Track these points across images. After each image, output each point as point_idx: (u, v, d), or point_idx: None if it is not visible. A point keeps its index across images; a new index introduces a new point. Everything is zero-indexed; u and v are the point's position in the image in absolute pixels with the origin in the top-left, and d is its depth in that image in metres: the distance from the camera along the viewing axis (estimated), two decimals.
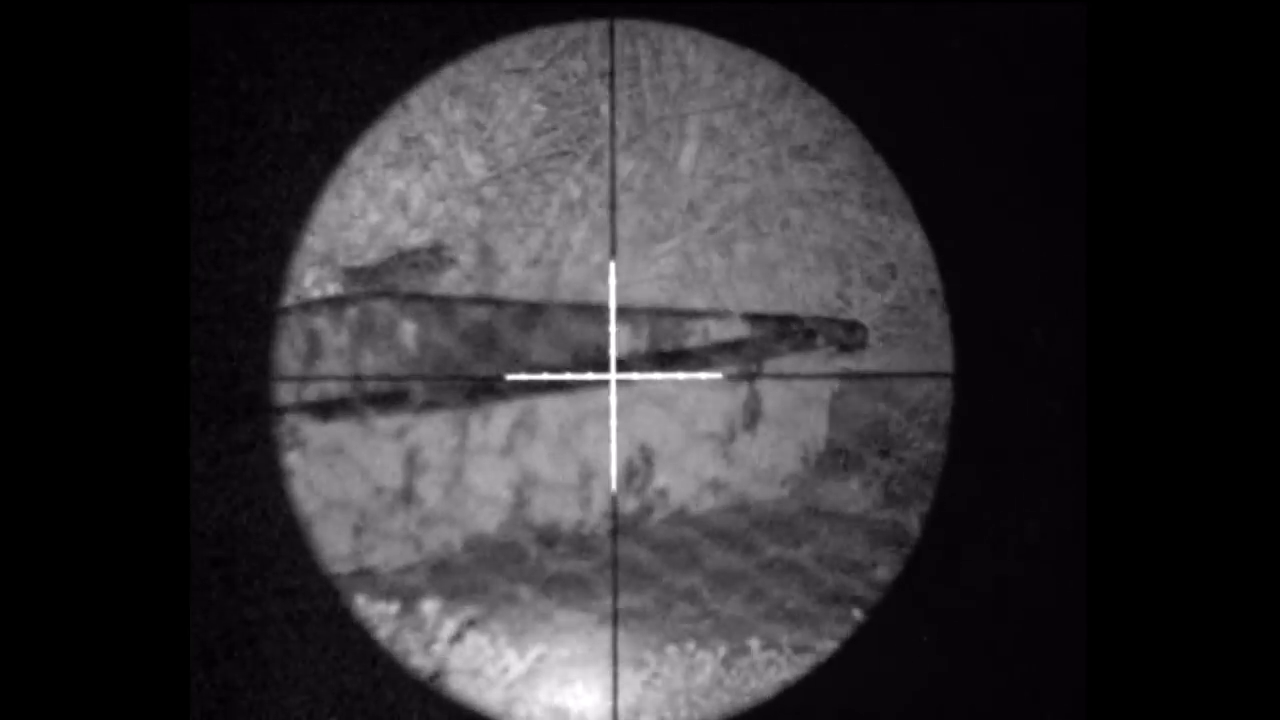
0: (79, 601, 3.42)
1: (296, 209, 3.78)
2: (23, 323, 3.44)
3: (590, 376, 4.91)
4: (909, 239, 5.86)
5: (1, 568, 3.39)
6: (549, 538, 4.87)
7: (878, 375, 4.98)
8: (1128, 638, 3.44)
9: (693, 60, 5.65)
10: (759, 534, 4.94)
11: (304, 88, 3.78)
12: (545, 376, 4.91)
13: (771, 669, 4.16)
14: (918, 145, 3.85)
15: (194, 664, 3.66)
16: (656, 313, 5.46)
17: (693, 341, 5.38)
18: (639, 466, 5.01)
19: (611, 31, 5.60)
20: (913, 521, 4.92)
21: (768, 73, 5.67)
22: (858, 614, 4.30)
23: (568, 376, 4.91)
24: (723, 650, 4.22)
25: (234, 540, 3.70)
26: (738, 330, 5.35)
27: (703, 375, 5.06)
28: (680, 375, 5.00)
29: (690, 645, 4.23)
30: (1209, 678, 3.40)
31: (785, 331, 5.27)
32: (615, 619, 4.21)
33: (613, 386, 4.62)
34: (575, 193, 5.71)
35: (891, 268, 5.89)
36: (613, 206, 5.60)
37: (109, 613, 3.43)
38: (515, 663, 4.15)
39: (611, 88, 5.78)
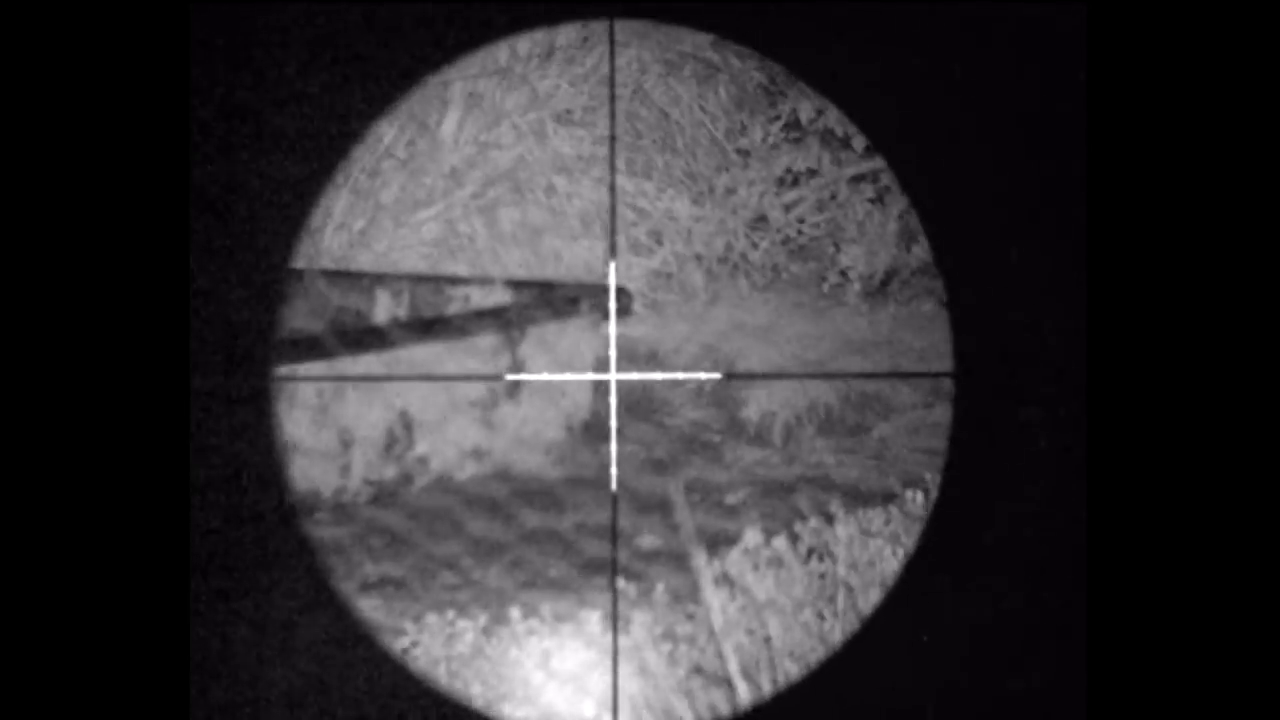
0: (75, 587, 3.38)
1: (296, 209, 3.71)
2: (22, 323, 3.39)
3: (590, 376, 4.88)
4: (674, 204, 5.87)
5: None
6: (308, 505, 4.80)
7: (880, 375, 4.97)
8: (1128, 638, 3.45)
9: None
10: (520, 503, 4.92)
11: (304, 88, 3.71)
12: (545, 376, 4.88)
13: (533, 638, 4.15)
14: (917, 145, 3.85)
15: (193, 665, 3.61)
16: (417, 279, 5.41)
17: (454, 308, 5.33)
18: (399, 434, 4.96)
19: (611, 31, 5.55)
20: (679, 491, 4.94)
21: (531, 37, 5.63)
22: (621, 582, 4.29)
23: (567, 376, 4.88)
24: (483, 619, 4.19)
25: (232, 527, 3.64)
26: (500, 297, 5.32)
27: (702, 375, 5.05)
28: (680, 375, 4.99)
29: (450, 614, 4.20)
30: (1209, 678, 3.43)
31: (548, 299, 5.25)
32: (615, 620, 4.13)
33: (613, 386, 4.57)
34: None
35: (657, 234, 5.89)
36: (612, 210, 5.54)
37: (107, 604, 3.39)
38: None
39: (611, 86, 5.73)
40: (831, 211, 5.98)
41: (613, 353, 4.64)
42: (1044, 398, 3.73)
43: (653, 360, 5.51)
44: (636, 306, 5.66)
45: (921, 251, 5.83)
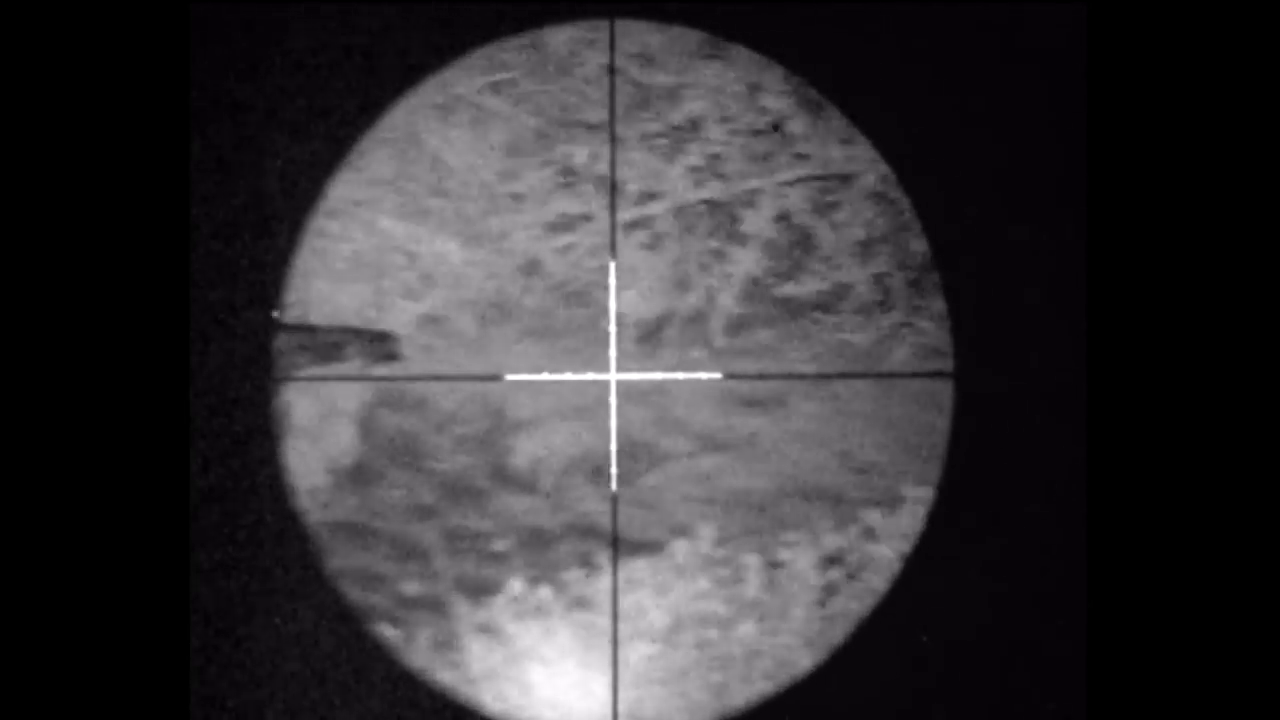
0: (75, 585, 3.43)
1: (296, 209, 3.60)
2: (22, 323, 3.41)
3: (590, 376, 4.75)
4: (445, 249, 5.81)
5: None
6: None
7: (885, 375, 4.88)
8: (1128, 638, 3.42)
9: None
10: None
11: (304, 88, 3.59)
12: (544, 376, 4.72)
13: None
14: (917, 145, 3.81)
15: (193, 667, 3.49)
16: None
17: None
18: None
19: (612, 31, 5.43)
20: (433, 536, 4.86)
21: None
22: (389, 630, 4.21)
23: (567, 376, 4.75)
24: None
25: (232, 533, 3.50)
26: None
27: (702, 375, 4.94)
28: (680, 375, 4.87)
29: None
30: (1209, 678, 3.40)
31: (309, 343, 5.15)
32: (615, 619, 4.01)
33: (612, 386, 4.45)
34: None
35: (428, 278, 5.83)
36: (612, 209, 5.40)
37: (107, 601, 3.44)
38: None
39: (611, 86, 5.61)
40: (603, 258, 5.95)
41: (613, 353, 4.55)
42: (1044, 398, 3.74)
43: (421, 406, 5.45)
44: (405, 350, 5.59)
45: (695, 299, 5.84)
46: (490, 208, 6.00)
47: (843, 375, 5.33)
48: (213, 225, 3.50)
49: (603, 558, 4.31)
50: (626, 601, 4.21)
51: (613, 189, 5.50)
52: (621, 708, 4.02)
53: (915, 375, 4.99)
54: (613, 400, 4.43)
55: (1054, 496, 3.76)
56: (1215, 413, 3.47)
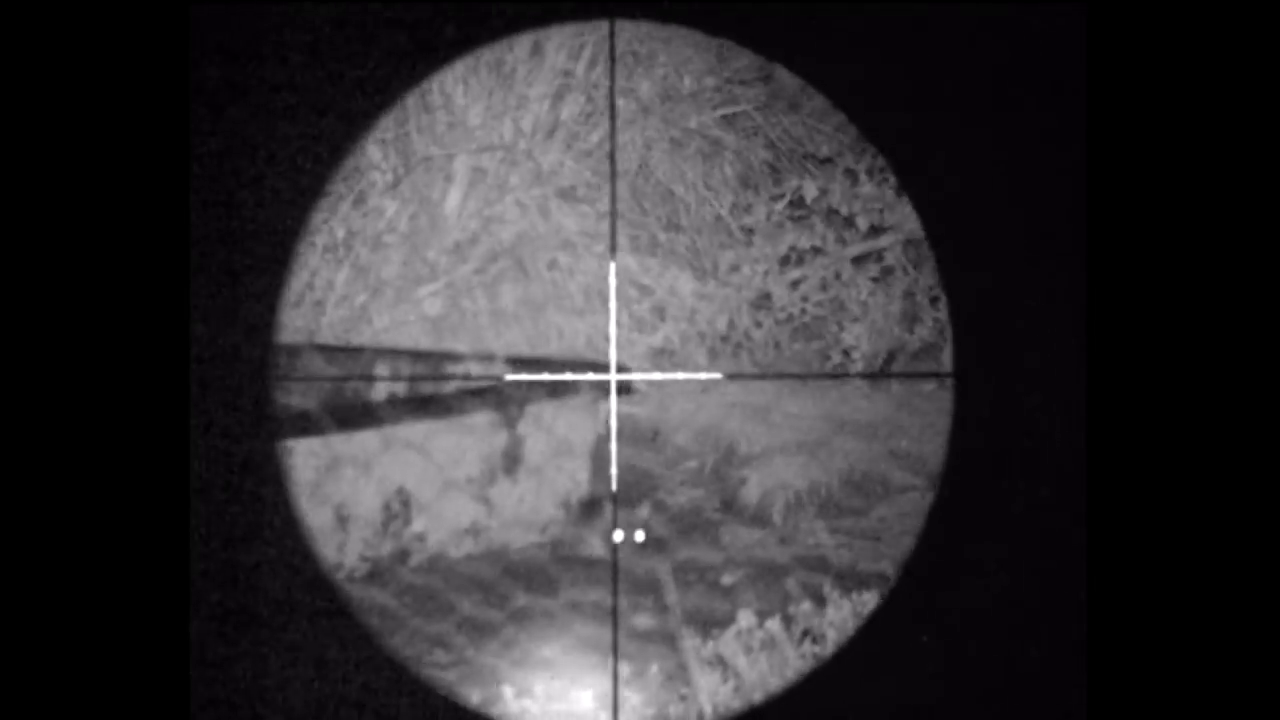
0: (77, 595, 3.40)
1: (296, 209, 3.72)
2: (22, 322, 3.41)
3: (590, 377, 4.87)
4: (676, 282, 5.86)
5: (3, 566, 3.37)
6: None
7: (881, 375, 4.94)
8: (1128, 637, 3.43)
9: (460, 100, 5.61)
10: (511, 581, 4.90)
11: (304, 88, 3.72)
12: (544, 377, 4.86)
13: (527, 717, 4.12)
14: (917, 145, 3.85)
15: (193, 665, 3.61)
16: (417, 356, 5.40)
17: (452, 385, 5.32)
18: (397, 510, 4.95)
19: (612, 31, 5.55)
20: (667, 571, 4.91)
21: (534, 112, 5.65)
22: (611, 662, 4.26)
23: (567, 377, 4.87)
24: (476, 697, 4.16)
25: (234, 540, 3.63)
26: (500, 373, 5.31)
27: (702, 375, 5.05)
28: (680, 375, 4.98)
29: (442, 692, 4.16)
30: (1209, 678, 3.40)
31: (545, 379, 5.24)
32: (615, 618, 4.11)
33: (612, 386, 4.55)
34: (340, 234, 5.64)
35: (660, 310, 5.88)
36: (612, 198, 5.54)
37: (109, 615, 3.40)
38: None
39: (611, 86, 5.72)
40: (835, 290, 5.96)
41: (613, 352, 4.62)
42: (1044, 398, 3.71)
43: (656, 438, 5.50)
44: (639, 385, 5.64)
45: (925, 332, 5.82)
46: (724, 241, 6.05)
47: (844, 375, 5.26)
48: (213, 225, 3.57)
49: (830, 589, 4.33)
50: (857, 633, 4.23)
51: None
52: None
53: (915, 375, 4.92)
54: (613, 401, 4.42)
55: (1054, 496, 3.70)
56: (1215, 412, 3.41)
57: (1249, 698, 3.41)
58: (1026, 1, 3.80)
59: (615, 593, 4.25)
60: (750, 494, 5.36)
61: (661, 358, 5.82)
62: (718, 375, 5.19)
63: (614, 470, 4.87)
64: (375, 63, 3.80)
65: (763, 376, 5.20)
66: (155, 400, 3.46)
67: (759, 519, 5.28)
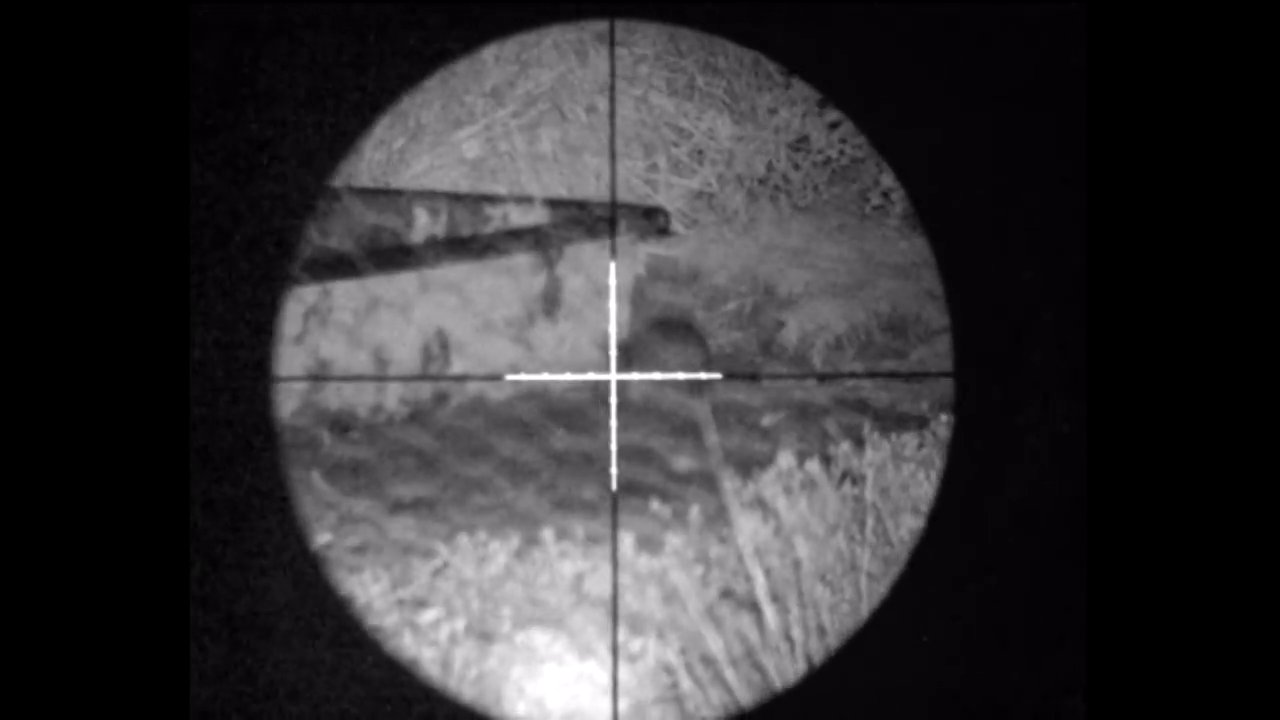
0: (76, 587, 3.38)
1: (296, 209, 3.71)
2: (22, 322, 3.39)
3: (590, 377, 4.87)
4: (715, 124, 5.83)
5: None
6: (342, 425, 4.81)
7: (884, 375, 4.95)
8: (1128, 638, 3.45)
9: None
10: (553, 423, 4.91)
11: (304, 87, 3.70)
12: (544, 377, 4.87)
13: (565, 561, 4.14)
14: (917, 145, 3.83)
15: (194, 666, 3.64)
16: (456, 198, 5.39)
17: (491, 228, 5.31)
18: (436, 352, 4.96)
19: (612, 31, 5.51)
20: (706, 409, 4.92)
21: None
22: (655, 505, 4.27)
23: (567, 377, 4.87)
24: (515, 541, 4.18)
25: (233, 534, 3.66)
26: (537, 216, 5.30)
27: (702, 375, 5.04)
28: (680, 375, 4.97)
29: (482, 535, 4.19)
30: (1209, 677, 3.42)
31: (582, 217, 5.22)
32: (615, 618, 4.12)
33: (612, 386, 4.54)
34: None
35: (699, 154, 5.86)
36: (613, 203, 5.51)
37: (107, 608, 3.39)
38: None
39: (611, 87, 5.70)
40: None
41: (613, 352, 4.60)
42: (1044, 398, 3.71)
43: (695, 280, 5.49)
44: (676, 226, 5.63)
45: None
46: (762, 84, 5.99)
47: (844, 375, 5.24)
48: (213, 224, 3.55)
49: (869, 431, 4.33)
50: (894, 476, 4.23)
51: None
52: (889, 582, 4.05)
53: (915, 375, 4.90)
54: (613, 401, 4.40)
55: (1054, 496, 3.69)
56: (1214, 412, 3.40)
57: (1249, 698, 3.42)
58: (1026, 1, 3.76)
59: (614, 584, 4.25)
60: (789, 336, 5.35)
61: (700, 201, 5.79)
62: (717, 375, 5.15)
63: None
64: (375, 62, 3.77)
65: (764, 376, 5.16)
66: (155, 400, 3.46)
67: (799, 360, 5.28)
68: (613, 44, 5.62)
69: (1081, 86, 3.58)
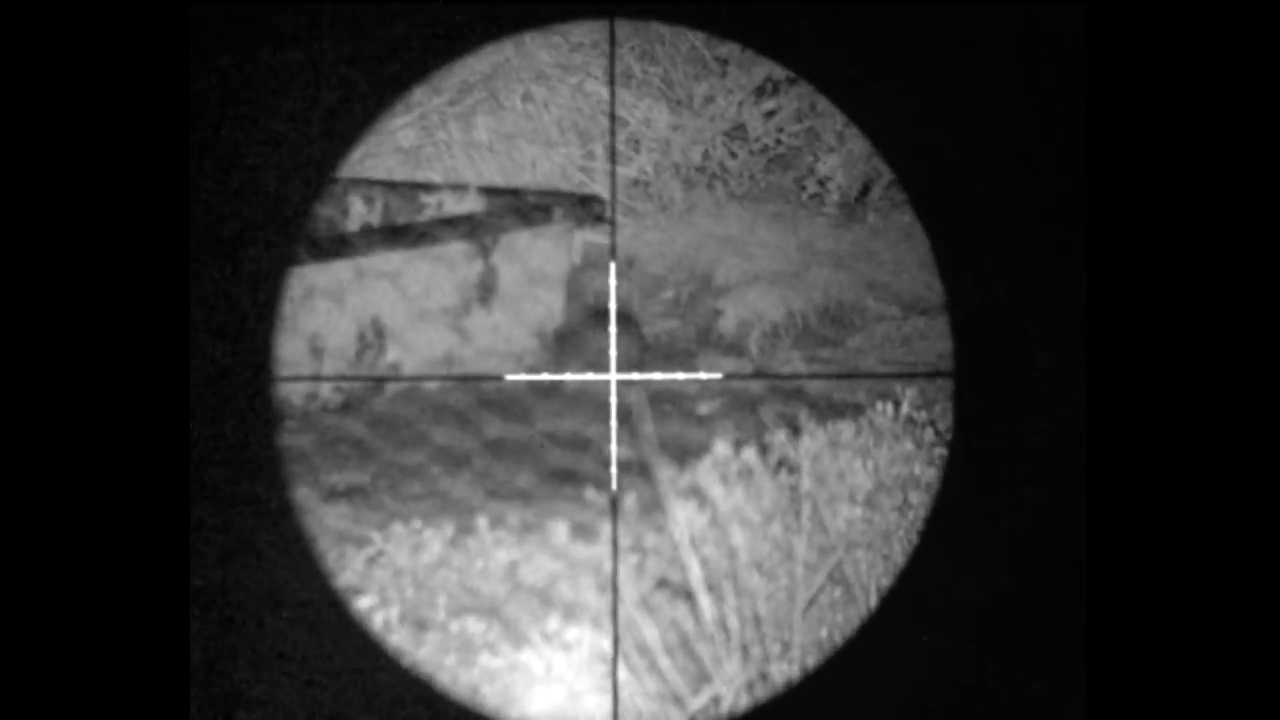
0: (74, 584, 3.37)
1: (296, 209, 3.68)
2: (23, 322, 3.39)
3: (590, 377, 4.85)
4: (651, 113, 5.82)
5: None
6: (278, 414, 4.78)
7: (872, 375, 4.93)
8: (1128, 637, 3.45)
9: None
10: (487, 412, 4.90)
11: (304, 87, 3.67)
12: (545, 377, 4.84)
13: (500, 549, 4.13)
14: (917, 145, 3.82)
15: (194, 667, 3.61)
16: (391, 186, 5.36)
17: (427, 216, 5.29)
18: (371, 340, 4.94)
19: (612, 31, 5.47)
20: (643, 401, 4.91)
21: None
22: (591, 493, 4.27)
23: (567, 377, 4.85)
24: (450, 529, 4.17)
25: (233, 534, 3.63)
26: (473, 204, 5.28)
27: (703, 375, 5.02)
28: (682, 375, 4.95)
29: (417, 523, 4.17)
30: (1209, 677, 3.42)
31: (518, 205, 5.20)
32: (615, 616, 4.10)
33: (613, 386, 4.51)
34: None
35: (635, 142, 5.84)
36: (613, 207, 5.47)
37: (107, 605, 3.38)
38: None
39: (612, 85, 5.66)
40: (810, 121, 5.92)
41: (613, 353, 4.59)
42: (1043, 398, 3.72)
43: (632, 265, 5.48)
44: (613, 215, 5.61)
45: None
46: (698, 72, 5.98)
47: (840, 376, 5.26)
48: (213, 224, 3.54)
49: (806, 419, 4.33)
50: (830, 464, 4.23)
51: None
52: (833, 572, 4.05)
53: (916, 375, 4.92)
54: (612, 400, 4.40)
55: (1054, 495, 3.71)
56: (1214, 411, 3.42)
57: (1249, 698, 3.43)
58: (1026, 1, 3.76)
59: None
60: (727, 324, 5.35)
61: (636, 189, 5.78)
62: (718, 375, 5.15)
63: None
64: (375, 62, 3.75)
65: (764, 376, 5.15)
66: (155, 400, 3.45)
67: (735, 348, 5.28)
68: (613, 44, 5.60)
69: (1081, 86, 3.59)
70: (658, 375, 4.95)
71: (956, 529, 3.82)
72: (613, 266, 4.89)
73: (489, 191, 5.32)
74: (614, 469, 4.23)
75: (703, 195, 5.80)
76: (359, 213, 5.30)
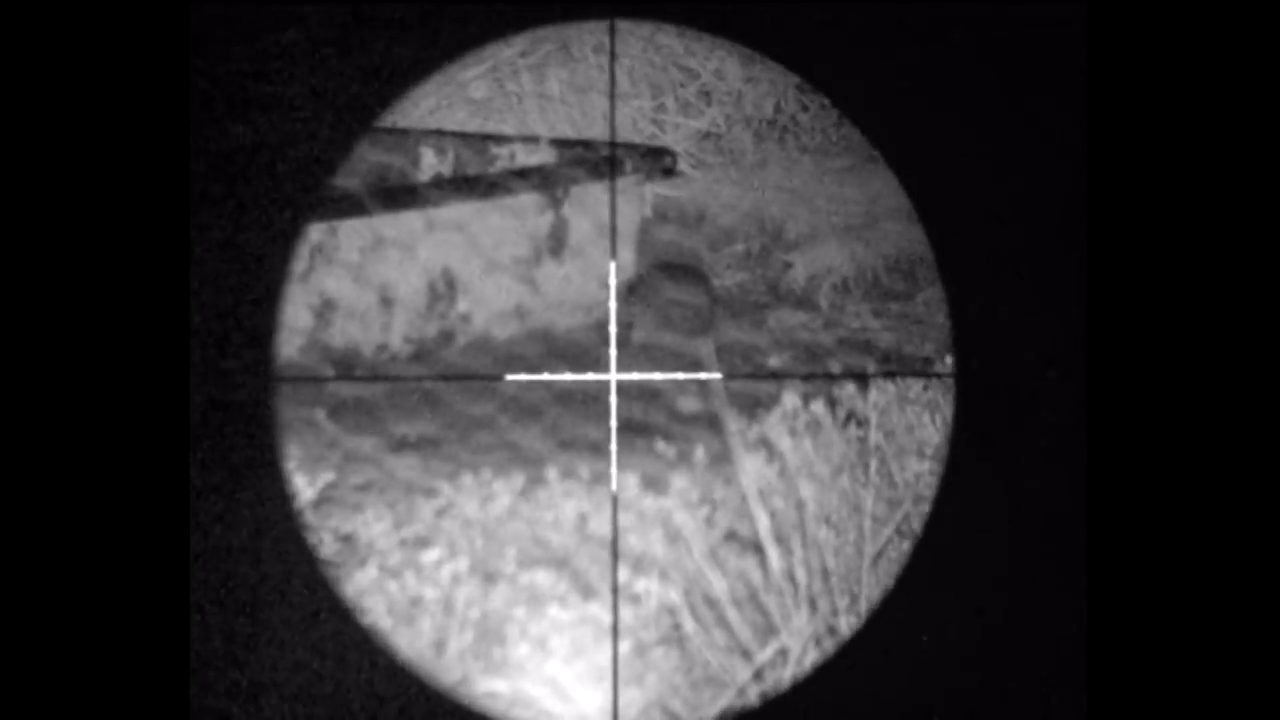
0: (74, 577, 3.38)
1: (296, 209, 3.71)
2: (24, 321, 3.40)
3: (590, 376, 4.86)
4: (724, 64, 5.80)
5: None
6: (347, 363, 4.81)
7: (878, 375, 4.92)
8: (1128, 637, 3.45)
9: None
10: (559, 363, 4.91)
11: (304, 87, 3.69)
12: (545, 377, 4.86)
13: (569, 500, 4.14)
14: (917, 145, 3.82)
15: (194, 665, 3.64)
16: (463, 137, 5.37)
17: (498, 167, 5.29)
18: (441, 291, 4.95)
19: (612, 31, 5.47)
20: (710, 351, 4.91)
21: None
22: (660, 445, 4.27)
23: (567, 377, 4.86)
24: (520, 480, 4.19)
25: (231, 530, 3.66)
26: (544, 156, 5.28)
27: (701, 375, 5.02)
28: (680, 375, 4.95)
29: (486, 474, 4.19)
30: (1209, 677, 3.42)
31: (588, 158, 5.20)
32: (615, 614, 4.12)
33: (613, 386, 4.53)
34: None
35: (706, 94, 5.83)
36: (612, 210, 5.48)
37: (107, 604, 3.39)
38: (305, 489, 4.09)
39: (611, 84, 5.66)
40: None
41: (613, 354, 4.58)
42: (1044, 398, 3.71)
43: (701, 220, 5.48)
44: (682, 166, 5.61)
45: None
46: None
47: (840, 376, 5.21)
48: (214, 224, 3.54)
49: (875, 372, 4.33)
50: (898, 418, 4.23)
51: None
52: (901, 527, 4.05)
53: (916, 375, 4.88)
54: (613, 399, 4.38)
55: (1054, 495, 3.69)
56: (1214, 411, 3.40)
57: (1249, 698, 3.42)
58: (1026, 1, 3.74)
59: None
60: (797, 277, 5.34)
61: (707, 141, 5.77)
62: (717, 375, 5.13)
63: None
64: (375, 62, 3.75)
65: (763, 376, 5.12)
66: (154, 400, 3.46)
67: (806, 302, 5.27)
68: (613, 44, 5.59)
69: (1081, 86, 3.58)
70: (657, 375, 4.94)
71: (956, 529, 3.82)
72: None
73: (560, 143, 5.32)
74: (613, 470, 4.24)
75: (773, 149, 5.78)
76: (430, 164, 5.30)
